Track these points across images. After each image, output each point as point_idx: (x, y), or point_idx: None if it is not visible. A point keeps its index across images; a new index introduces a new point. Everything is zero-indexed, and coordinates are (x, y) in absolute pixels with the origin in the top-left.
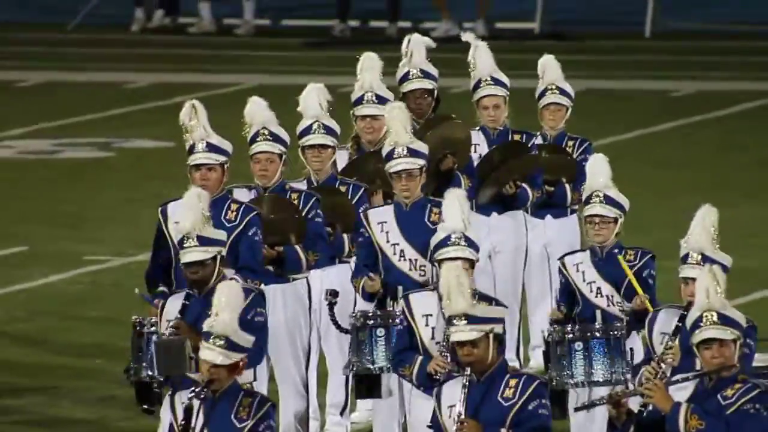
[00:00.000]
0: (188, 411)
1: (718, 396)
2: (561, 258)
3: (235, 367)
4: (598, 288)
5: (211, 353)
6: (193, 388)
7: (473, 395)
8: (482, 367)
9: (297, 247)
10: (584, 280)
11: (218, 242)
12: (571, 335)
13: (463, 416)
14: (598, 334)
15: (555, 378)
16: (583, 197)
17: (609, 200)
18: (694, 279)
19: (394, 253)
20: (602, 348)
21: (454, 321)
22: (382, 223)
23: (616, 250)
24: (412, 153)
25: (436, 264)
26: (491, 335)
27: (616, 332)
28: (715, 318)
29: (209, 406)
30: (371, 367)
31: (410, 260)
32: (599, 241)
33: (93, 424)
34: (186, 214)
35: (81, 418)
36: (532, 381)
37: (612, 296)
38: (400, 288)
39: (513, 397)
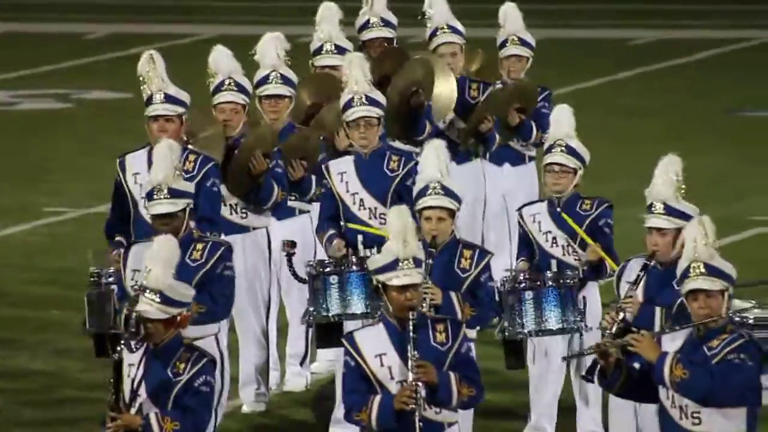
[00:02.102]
0: (117, 365)
1: (704, 347)
2: (519, 209)
3: (172, 321)
4: (554, 238)
5: (146, 307)
6: (121, 342)
7: (405, 341)
8: (418, 312)
9: (272, 180)
10: (540, 230)
11: (188, 194)
12: (522, 284)
13: (419, 359)
14: (550, 283)
15: (507, 328)
16: (546, 145)
17: (570, 150)
18: (657, 229)
19: (354, 203)
20: (553, 297)
21: (402, 264)
22: (342, 174)
23: (573, 200)
24: (371, 102)
25: (417, 215)
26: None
27: (568, 280)
28: (702, 269)
29: (148, 360)
30: (327, 314)
31: (369, 209)
32: (557, 190)
33: (51, 375)
34: (157, 165)
35: (39, 369)
36: (458, 324)
37: (567, 246)
38: (359, 237)
39: (447, 341)
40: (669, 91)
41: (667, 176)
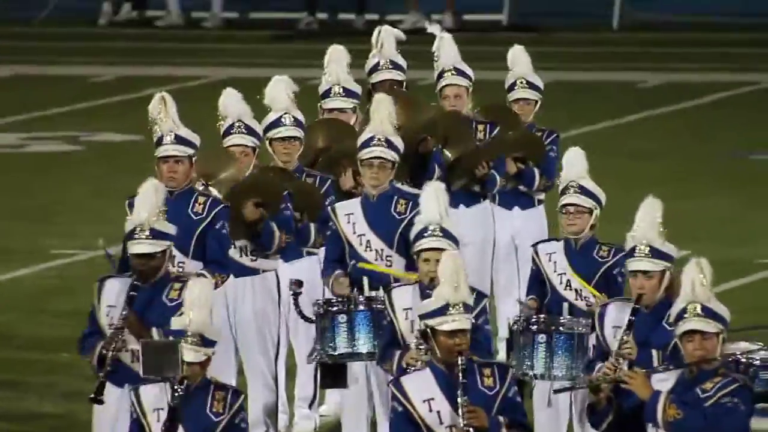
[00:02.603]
0: (174, 411)
1: (697, 389)
2: (534, 245)
3: (208, 361)
4: (568, 280)
5: (191, 354)
6: (176, 387)
7: (454, 387)
8: (466, 356)
9: (273, 224)
10: (555, 271)
11: (169, 236)
12: (535, 326)
13: (470, 405)
14: (562, 329)
15: (515, 367)
16: (560, 188)
17: (584, 191)
18: (643, 272)
19: (361, 244)
20: (566, 343)
21: (453, 309)
22: (348, 215)
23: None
24: (390, 145)
25: (415, 256)
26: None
27: (581, 329)
28: (699, 310)
29: (182, 403)
30: (334, 354)
31: (376, 251)
32: (573, 231)
33: (60, 418)
34: (141, 205)
35: (48, 412)
36: (506, 369)
37: (581, 290)
38: (365, 279)
39: (495, 386)
40: (674, 134)
41: (650, 219)
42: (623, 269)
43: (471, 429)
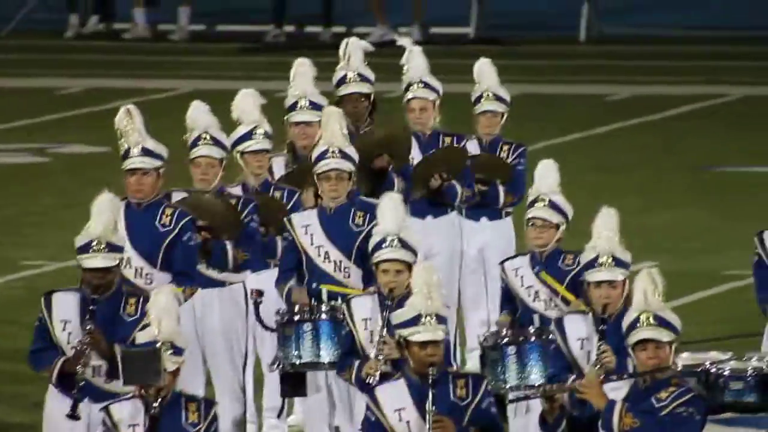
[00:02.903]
0: (155, 420)
1: (652, 398)
2: (502, 262)
3: (178, 371)
4: (536, 292)
5: (169, 364)
6: (156, 398)
7: (425, 396)
8: (440, 368)
9: (227, 242)
10: (522, 285)
11: (122, 249)
12: (504, 340)
13: (437, 415)
14: (532, 338)
15: (490, 383)
16: (529, 200)
17: (553, 205)
18: (608, 281)
19: (319, 255)
20: (536, 351)
21: (425, 320)
22: (306, 226)
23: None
24: (344, 156)
25: (374, 267)
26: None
27: (551, 335)
28: (651, 320)
29: (154, 417)
30: (297, 362)
31: (335, 262)
32: (539, 244)
33: (29, 428)
34: (98, 218)
35: (17, 422)
36: (480, 380)
37: (549, 300)
38: (324, 289)
39: (467, 396)
40: (643, 146)
41: (609, 229)
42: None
43: None
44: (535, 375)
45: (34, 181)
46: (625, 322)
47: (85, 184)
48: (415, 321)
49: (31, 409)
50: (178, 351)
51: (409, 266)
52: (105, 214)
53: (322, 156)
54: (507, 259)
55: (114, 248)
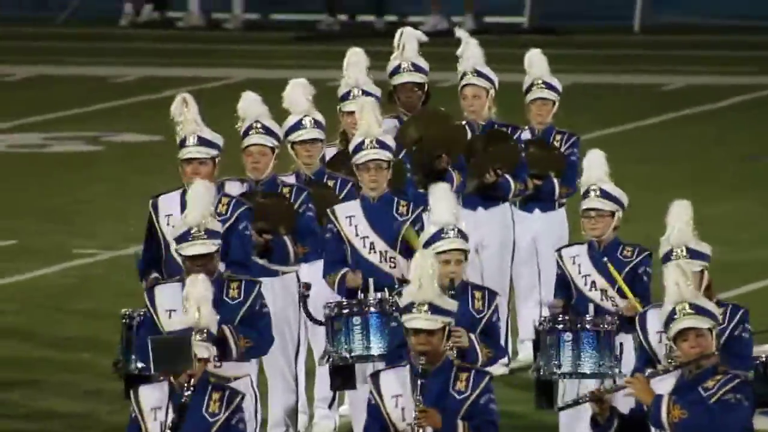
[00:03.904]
0: (183, 408)
1: (699, 388)
2: (558, 250)
3: (210, 358)
4: (593, 281)
5: (200, 348)
6: (185, 384)
7: (424, 386)
8: (434, 358)
9: (286, 238)
10: (579, 273)
11: (220, 235)
12: (561, 325)
13: (422, 405)
14: (588, 327)
15: (543, 367)
16: (581, 191)
17: (605, 194)
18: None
19: (364, 246)
20: (592, 340)
21: (416, 308)
22: (350, 217)
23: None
24: (382, 145)
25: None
26: (447, 329)
27: (606, 326)
28: (688, 308)
29: (182, 404)
30: (348, 356)
31: (380, 252)
32: (595, 234)
33: (80, 417)
34: (194, 206)
35: (68, 411)
36: (483, 375)
37: (606, 290)
38: (371, 280)
39: (465, 391)
40: (695, 137)
41: (683, 221)
42: (648, 268)
43: (420, 429)
44: (589, 364)
45: (87, 169)
46: (662, 316)
47: (138, 172)
48: (408, 308)
49: (81, 398)
50: (213, 338)
51: (466, 255)
52: (202, 201)
53: (359, 147)
54: (564, 246)
55: (213, 234)
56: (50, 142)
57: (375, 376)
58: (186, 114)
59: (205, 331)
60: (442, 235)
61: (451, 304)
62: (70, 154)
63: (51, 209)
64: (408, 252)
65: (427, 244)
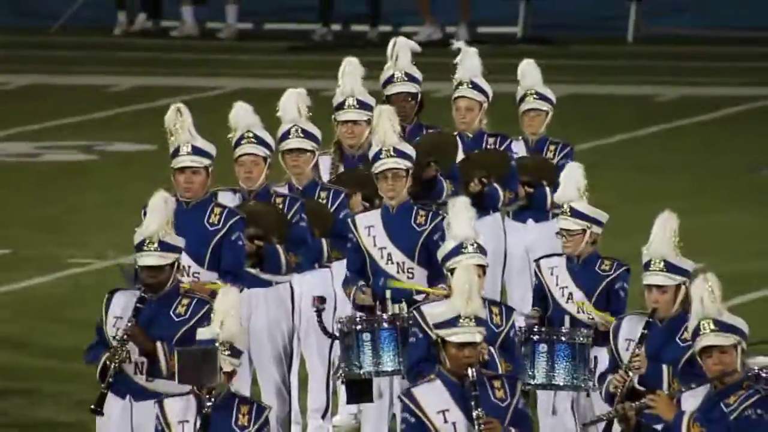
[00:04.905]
0: (207, 419)
1: (721, 404)
2: (537, 260)
3: (234, 372)
4: (570, 293)
5: (224, 361)
6: (208, 397)
7: (466, 398)
8: (476, 369)
9: (278, 247)
10: (557, 284)
11: (178, 249)
12: (536, 336)
13: (485, 416)
14: (563, 339)
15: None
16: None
17: (575, 213)
18: (657, 286)
19: (382, 257)
20: (566, 353)
21: (464, 321)
22: (369, 227)
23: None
24: (400, 154)
25: (449, 273)
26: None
27: (582, 338)
28: (711, 325)
29: (206, 416)
30: (359, 372)
31: (398, 263)
32: (569, 252)
33: (73, 427)
34: (152, 217)
35: (62, 421)
36: (513, 380)
37: (583, 303)
38: (388, 291)
39: (506, 397)
40: (689, 148)
41: (665, 233)
42: (625, 284)
43: None
44: (563, 376)
45: (81, 178)
46: (690, 330)
47: (132, 181)
48: (453, 322)
49: (75, 408)
50: (236, 353)
51: (485, 270)
52: (159, 213)
53: (377, 156)
54: (543, 257)
55: (168, 247)
56: (44, 151)
57: (408, 394)
58: (180, 123)
59: (228, 344)
60: (462, 250)
61: (485, 317)
62: (63, 163)
63: (44, 218)
64: (428, 263)
65: (447, 259)
